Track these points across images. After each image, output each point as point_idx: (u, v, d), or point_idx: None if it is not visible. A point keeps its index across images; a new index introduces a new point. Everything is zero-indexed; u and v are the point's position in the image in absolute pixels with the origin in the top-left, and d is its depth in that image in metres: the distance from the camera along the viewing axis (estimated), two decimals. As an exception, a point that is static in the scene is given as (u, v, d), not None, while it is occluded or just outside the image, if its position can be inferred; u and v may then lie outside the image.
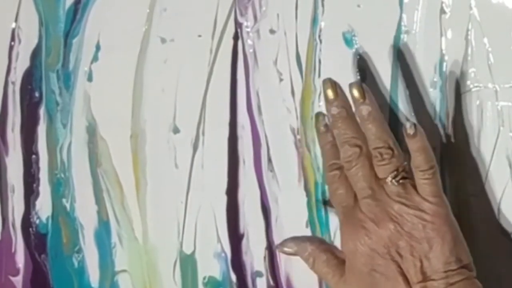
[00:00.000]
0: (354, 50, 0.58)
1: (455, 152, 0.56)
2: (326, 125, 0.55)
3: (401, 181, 0.50)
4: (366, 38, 0.58)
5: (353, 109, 0.53)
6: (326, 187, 0.56)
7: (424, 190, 0.50)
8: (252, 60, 0.62)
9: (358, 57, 0.58)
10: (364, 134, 0.52)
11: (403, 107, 0.57)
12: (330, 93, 0.53)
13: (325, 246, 0.54)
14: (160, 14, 0.64)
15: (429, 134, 0.56)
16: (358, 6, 0.58)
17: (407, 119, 0.52)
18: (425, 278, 0.49)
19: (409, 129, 0.50)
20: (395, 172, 0.50)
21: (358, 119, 0.52)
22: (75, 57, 0.67)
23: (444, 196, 0.50)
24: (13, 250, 0.70)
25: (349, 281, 0.52)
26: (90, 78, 0.66)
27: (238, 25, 0.62)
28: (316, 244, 0.54)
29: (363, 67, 0.58)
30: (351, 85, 0.52)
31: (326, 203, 0.59)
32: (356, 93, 0.52)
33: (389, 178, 0.50)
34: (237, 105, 0.62)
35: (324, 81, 0.53)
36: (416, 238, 0.49)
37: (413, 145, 0.50)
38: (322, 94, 0.59)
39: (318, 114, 0.56)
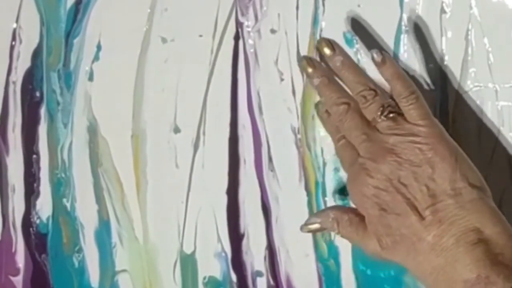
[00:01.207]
0: (354, 50, 0.59)
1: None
2: (327, 111, 0.56)
3: (390, 115, 0.51)
4: (366, 38, 0.58)
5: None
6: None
7: (412, 115, 0.50)
8: (253, 59, 0.62)
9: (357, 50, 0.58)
10: (347, 93, 0.53)
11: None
12: (308, 68, 0.54)
13: (346, 208, 0.54)
14: (161, 14, 0.64)
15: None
16: (358, 6, 0.58)
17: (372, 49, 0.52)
18: (434, 201, 0.48)
19: (376, 57, 0.51)
20: (381, 109, 0.51)
21: (335, 72, 0.53)
22: (76, 57, 0.67)
23: (433, 117, 0.51)
24: (13, 250, 0.70)
25: (370, 232, 0.51)
26: (91, 78, 0.67)
27: (239, 25, 0.62)
28: (337, 208, 0.55)
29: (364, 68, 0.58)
30: (319, 43, 0.53)
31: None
32: (326, 49, 0.53)
33: (378, 115, 0.51)
34: (238, 105, 0.62)
35: (300, 59, 0.55)
36: (416, 163, 0.49)
37: (385, 73, 0.51)
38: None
39: (317, 104, 0.57)
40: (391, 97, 0.52)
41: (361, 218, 0.53)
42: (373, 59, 0.51)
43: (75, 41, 0.67)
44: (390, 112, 0.51)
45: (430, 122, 0.50)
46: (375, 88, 0.52)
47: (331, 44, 0.53)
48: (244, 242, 0.63)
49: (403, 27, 0.57)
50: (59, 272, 0.69)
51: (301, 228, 0.55)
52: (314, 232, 0.56)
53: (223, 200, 0.63)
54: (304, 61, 0.54)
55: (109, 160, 0.66)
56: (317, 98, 0.60)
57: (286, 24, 0.60)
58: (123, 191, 0.66)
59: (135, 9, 0.64)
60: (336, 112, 0.53)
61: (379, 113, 0.51)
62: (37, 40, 0.68)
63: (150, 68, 0.65)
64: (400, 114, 0.51)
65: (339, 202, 0.60)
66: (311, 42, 0.60)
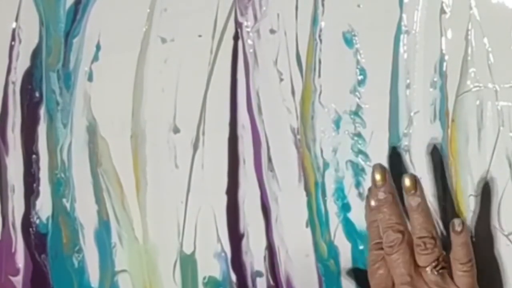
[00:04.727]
0: (354, 50, 0.58)
1: (455, 152, 0.56)
2: (370, 205, 0.55)
3: (440, 270, 0.52)
4: (366, 38, 0.58)
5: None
6: (367, 265, 0.56)
7: (461, 281, 0.52)
8: (252, 60, 0.62)
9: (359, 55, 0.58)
10: (405, 220, 0.53)
11: (403, 107, 0.57)
12: (378, 178, 0.54)
13: None
14: (160, 14, 0.64)
15: (430, 134, 0.56)
16: (358, 6, 0.58)
17: (456, 217, 0.53)
18: None
19: (457, 226, 0.52)
20: (436, 262, 0.52)
21: (406, 207, 0.53)
22: (76, 57, 0.67)
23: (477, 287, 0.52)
24: (13, 250, 0.71)
25: None
26: (90, 78, 0.67)
27: (238, 25, 0.62)
28: None
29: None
30: (404, 176, 0.53)
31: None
32: (408, 183, 0.53)
33: (430, 267, 0.52)
34: (237, 105, 0.62)
35: (374, 166, 0.54)
36: None
37: (458, 240, 0.52)
38: (322, 94, 0.59)
39: (370, 190, 0.56)
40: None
41: None
42: (452, 226, 0.52)
43: (75, 41, 0.67)
44: (442, 267, 0.52)
45: None
46: (436, 237, 0.52)
47: (415, 181, 0.53)
48: (244, 242, 0.63)
49: (403, 27, 0.57)
50: (59, 272, 0.69)
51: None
52: None
53: (223, 200, 0.63)
54: (378, 169, 0.54)
55: (109, 160, 0.66)
56: (316, 98, 0.60)
57: (286, 24, 0.60)
58: (122, 191, 0.66)
59: (134, 9, 0.64)
60: (389, 237, 0.53)
61: (432, 266, 0.52)
62: (36, 40, 0.68)
63: (149, 68, 0.65)
64: (448, 268, 0.52)
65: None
66: (310, 42, 0.59)
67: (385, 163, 0.58)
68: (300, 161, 0.61)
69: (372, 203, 0.54)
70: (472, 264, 0.52)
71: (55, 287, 0.69)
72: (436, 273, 0.52)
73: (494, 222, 0.55)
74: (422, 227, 0.52)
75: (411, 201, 0.53)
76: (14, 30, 0.69)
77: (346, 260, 0.60)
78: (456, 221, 0.52)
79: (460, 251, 0.52)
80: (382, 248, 0.54)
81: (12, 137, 0.70)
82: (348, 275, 0.60)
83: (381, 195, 0.53)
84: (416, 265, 0.52)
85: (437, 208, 0.57)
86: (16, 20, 0.69)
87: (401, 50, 0.57)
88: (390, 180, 0.54)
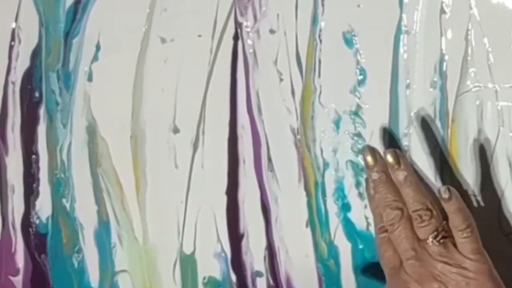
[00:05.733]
0: (354, 50, 0.58)
1: (455, 152, 0.56)
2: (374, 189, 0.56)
3: (441, 240, 0.52)
4: (366, 38, 0.58)
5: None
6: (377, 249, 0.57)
7: (465, 248, 0.51)
8: (252, 60, 0.62)
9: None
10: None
11: (403, 107, 0.57)
12: (369, 159, 0.54)
13: None
14: (160, 14, 0.64)
15: (430, 134, 0.56)
16: (358, 6, 0.58)
17: (442, 185, 0.53)
18: None
19: (443, 193, 0.51)
20: (435, 233, 0.52)
21: (396, 184, 0.53)
22: (75, 57, 0.67)
23: (484, 252, 0.51)
24: (13, 250, 0.71)
25: None
26: (90, 78, 0.67)
27: (238, 25, 0.62)
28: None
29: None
30: (385, 152, 0.53)
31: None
32: (390, 159, 0.53)
33: (430, 239, 0.52)
34: (237, 105, 0.62)
35: (363, 148, 0.54)
36: None
37: (449, 207, 0.52)
38: (322, 94, 0.59)
39: (367, 180, 0.56)
40: (444, 218, 0.52)
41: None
42: (439, 194, 0.51)
43: (74, 41, 0.67)
44: (443, 237, 0.52)
45: (481, 257, 0.51)
46: (432, 208, 0.52)
47: (397, 156, 0.53)
48: (244, 242, 0.63)
49: (403, 27, 0.57)
50: (59, 272, 0.69)
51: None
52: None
53: (223, 200, 0.63)
54: (367, 151, 0.54)
55: (109, 160, 0.66)
56: (316, 98, 0.60)
57: (285, 24, 0.60)
58: (122, 191, 0.66)
59: (134, 9, 0.64)
60: (388, 215, 0.53)
61: (432, 237, 0.52)
62: (36, 40, 0.68)
63: (149, 68, 0.65)
64: (451, 237, 0.52)
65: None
66: (310, 42, 0.59)
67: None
68: (300, 161, 0.61)
69: (372, 191, 0.55)
70: (472, 229, 0.51)
71: (55, 287, 0.69)
72: (437, 243, 0.51)
73: (494, 222, 0.55)
74: (414, 200, 0.52)
75: (398, 176, 0.53)
76: (14, 30, 0.69)
77: (346, 260, 0.60)
78: (442, 189, 0.51)
79: (455, 218, 0.51)
80: (385, 231, 0.54)
81: (12, 137, 0.70)
82: (348, 275, 0.60)
83: (375, 175, 0.54)
84: (419, 239, 0.52)
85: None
86: (16, 20, 0.69)
87: (401, 50, 0.57)
88: (381, 159, 0.54)
